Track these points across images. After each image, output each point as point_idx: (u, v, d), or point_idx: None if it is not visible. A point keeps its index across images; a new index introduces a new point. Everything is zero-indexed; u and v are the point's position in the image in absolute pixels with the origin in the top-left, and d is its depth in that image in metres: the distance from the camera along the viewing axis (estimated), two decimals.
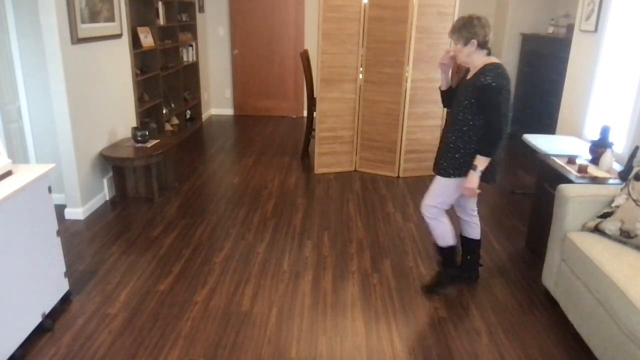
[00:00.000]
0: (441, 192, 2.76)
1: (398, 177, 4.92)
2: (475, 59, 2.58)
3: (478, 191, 2.64)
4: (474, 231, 2.95)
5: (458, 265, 3.02)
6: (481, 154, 2.55)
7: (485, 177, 2.65)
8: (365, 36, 4.67)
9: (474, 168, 2.56)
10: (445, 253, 2.91)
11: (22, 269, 2.34)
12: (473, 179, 2.58)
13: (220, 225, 3.79)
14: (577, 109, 4.24)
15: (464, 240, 3.01)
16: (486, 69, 2.51)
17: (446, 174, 2.70)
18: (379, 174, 4.98)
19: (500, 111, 2.48)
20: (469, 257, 3.00)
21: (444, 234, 2.85)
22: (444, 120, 2.83)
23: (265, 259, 3.30)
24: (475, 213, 2.95)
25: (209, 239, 3.56)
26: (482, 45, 2.54)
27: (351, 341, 2.51)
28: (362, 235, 3.63)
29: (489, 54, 2.59)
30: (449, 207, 2.82)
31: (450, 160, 2.68)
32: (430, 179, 4.85)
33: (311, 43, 7.10)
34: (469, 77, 2.63)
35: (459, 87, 2.71)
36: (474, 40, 2.52)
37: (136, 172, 4.22)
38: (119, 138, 4.44)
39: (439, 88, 2.91)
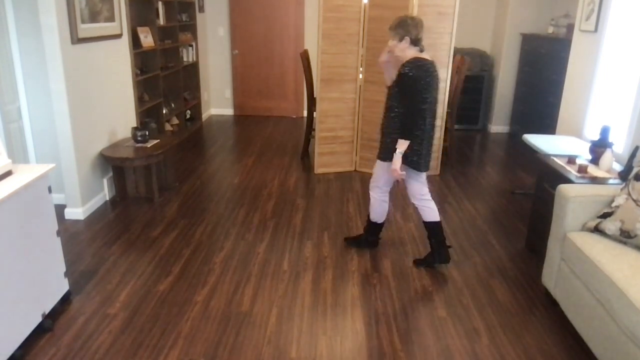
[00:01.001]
0: (380, 175, 3.15)
1: None
2: (408, 54, 2.90)
3: (402, 173, 2.94)
4: (428, 214, 3.15)
5: (377, 238, 3.46)
6: (400, 137, 2.88)
7: (412, 163, 2.95)
8: (365, 36, 4.67)
9: (394, 150, 2.90)
10: (372, 225, 3.37)
11: (22, 269, 2.34)
12: (395, 161, 2.91)
13: (220, 225, 3.79)
14: (577, 109, 4.24)
15: (424, 225, 3.21)
16: (407, 62, 2.85)
17: (381, 157, 3.07)
18: None
19: (415, 99, 2.81)
20: (433, 240, 3.19)
21: (380, 212, 3.29)
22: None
23: (265, 259, 3.30)
24: (427, 197, 3.15)
25: (209, 239, 3.56)
26: (415, 42, 2.89)
27: (351, 341, 2.51)
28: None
29: (421, 50, 2.93)
30: (390, 187, 3.21)
31: (383, 145, 3.04)
32: (430, 179, 4.88)
33: (311, 43, 7.10)
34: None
35: None
36: (407, 37, 2.87)
37: (136, 172, 4.22)
38: (119, 138, 4.44)
39: (385, 85, 3.13)
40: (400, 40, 2.89)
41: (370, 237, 3.43)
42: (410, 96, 2.83)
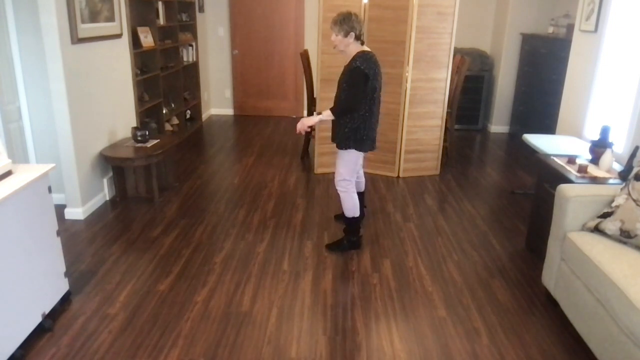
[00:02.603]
0: (342, 165, 3.25)
1: (398, 177, 4.92)
2: (352, 49, 3.09)
3: (307, 129, 3.36)
4: (345, 202, 3.34)
5: (359, 237, 3.46)
6: (330, 110, 3.09)
7: (357, 145, 3.16)
8: (365, 36, 4.67)
9: (318, 113, 3.16)
10: (352, 223, 3.38)
11: (22, 268, 2.34)
12: (311, 119, 3.17)
13: (220, 225, 3.79)
14: (577, 109, 4.24)
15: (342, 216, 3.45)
16: (357, 56, 3.04)
17: (339, 146, 3.20)
18: (379, 174, 4.98)
19: (357, 89, 3.00)
20: (365, 207, 3.71)
21: (353, 207, 3.31)
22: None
23: (265, 259, 3.30)
24: (361, 173, 3.64)
25: (209, 239, 3.56)
26: (358, 37, 3.06)
27: (351, 341, 2.51)
28: (362, 235, 3.63)
29: (362, 44, 3.11)
30: (355, 176, 3.30)
31: (341, 135, 3.16)
32: (430, 179, 4.88)
33: (311, 43, 7.10)
34: (346, 64, 3.13)
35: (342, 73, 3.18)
36: (352, 32, 3.03)
37: (136, 172, 4.22)
38: (119, 138, 4.44)
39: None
40: (346, 35, 3.03)
41: (352, 237, 3.41)
42: (353, 85, 3.01)
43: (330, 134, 3.36)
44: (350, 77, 3.02)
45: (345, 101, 3.05)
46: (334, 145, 3.26)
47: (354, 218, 3.35)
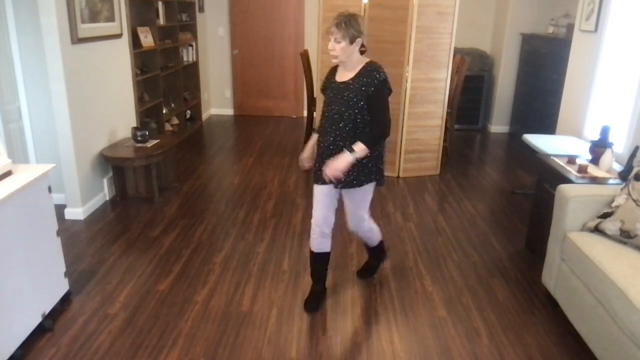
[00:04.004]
0: (366, 202, 2.68)
1: (398, 177, 4.92)
2: (355, 58, 2.48)
3: (342, 176, 2.48)
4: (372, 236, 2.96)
5: (385, 253, 3.15)
6: (365, 144, 2.42)
7: (380, 174, 2.62)
8: (366, 36, 4.66)
9: (351, 151, 2.41)
10: (380, 248, 3.03)
11: (22, 269, 2.34)
12: (345, 161, 2.41)
13: (220, 225, 3.79)
14: (577, 109, 4.24)
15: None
16: (373, 67, 2.47)
17: (360, 181, 2.55)
18: None
19: (388, 108, 2.48)
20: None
21: (377, 235, 2.92)
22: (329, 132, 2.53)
23: (265, 259, 3.30)
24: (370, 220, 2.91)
25: (209, 239, 3.55)
26: (363, 45, 2.49)
27: (351, 341, 2.51)
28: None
29: (362, 53, 2.52)
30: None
31: (360, 168, 2.51)
32: (430, 179, 4.88)
33: (311, 43, 7.09)
34: (347, 78, 2.47)
35: (333, 90, 2.52)
36: (359, 39, 2.43)
37: (136, 172, 4.22)
38: (119, 138, 4.44)
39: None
40: (352, 42, 2.40)
41: (379, 258, 3.10)
42: (383, 103, 2.47)
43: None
44: (382, 93, 2.44)
45: (385, 125, 2.45)
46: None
47: (380, 242, 2.98)
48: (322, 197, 2.63)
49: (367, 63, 2.50)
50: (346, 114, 2.45)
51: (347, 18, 2.38)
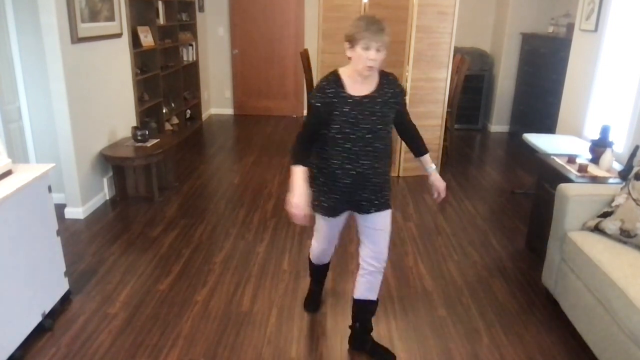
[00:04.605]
0: (389, 225, 2.34)
1: (398, 176, 4.92)
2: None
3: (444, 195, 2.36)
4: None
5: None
6: (426, 152, 2.35)
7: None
8: None
9: (432, 165, 2.35)
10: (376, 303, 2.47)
11: (22, 268, 2.34)
12: (439, 179, 2.34)
13: (220, 225, 3.79)
14: (577, 109, 4.24)
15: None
16: (388, 75, 2.23)
17: (390, 204, 2.32)
18: None
19: None
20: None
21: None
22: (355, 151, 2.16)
23: (265, 259, 3.30)
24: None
25: (209, 239, 3.55)
26: None
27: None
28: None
29: None
30: None
31: (388, 184, 2.29)
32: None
33: (311, 43, 7.09)
34: (368, 91, 2.13)
35: (355, 107, 2.11)
36: None
37: (136, 172, 4.22)
38: (119, 137, 4.44)
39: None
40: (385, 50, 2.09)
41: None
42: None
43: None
44: (403, 100, 2.27)
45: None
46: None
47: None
48: (335, 231, 2.39)
49: (382, 70, 2.21)
50: (382, 131, 2.15)
51: (383, 24, 2.05)
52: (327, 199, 2.25)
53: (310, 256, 2.64)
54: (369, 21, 2.03)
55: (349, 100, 2.11)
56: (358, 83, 2.13)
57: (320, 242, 2.47)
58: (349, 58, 2.08)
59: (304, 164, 2.21)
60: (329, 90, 2.11)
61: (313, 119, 2.15)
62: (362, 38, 2.00)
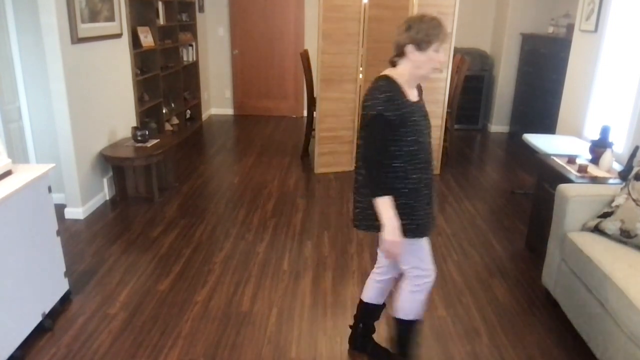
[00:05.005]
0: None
1: None
2: None
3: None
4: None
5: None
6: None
7: None
8: (365, 36, 4.67)
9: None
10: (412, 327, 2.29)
11: (22, 268, 2.34)
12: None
13: (220, 225, 3.79)
14: (577, 109, 4.24)
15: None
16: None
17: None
18: None
19: None
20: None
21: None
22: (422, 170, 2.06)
23: (265, 259, 3.30)
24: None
25: (209, 239, 3.55)
26: None
27: None
28: (362, 235, 3.63)
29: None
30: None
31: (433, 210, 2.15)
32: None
33: (311, 43, 7.09)
34: (417, 97, 2.05)
35: (416, 113, 2.00)
36: None
37: (136, 172, 4.22)
38: (119, 138, 4.44)
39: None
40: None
41: (405, 349, 2.29)
42: None
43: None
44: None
45: None
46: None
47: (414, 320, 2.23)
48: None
49: None
50: (429, 140, 2.06)
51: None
52: (417, 217, 2.02)
53: (421, 297, 2.21)
54: (440, 22, 1.92)
55: (413, 108, 1.96)
56: (411, 88, 2.01)
57: (429, 263, 2.20)
58: (410, 62, 1.93)
59: (389, 193, 1.92)
60: (397, 100, 1.90)
61: (384, 134, 1.90)
62: (438, 40, 1.88)
